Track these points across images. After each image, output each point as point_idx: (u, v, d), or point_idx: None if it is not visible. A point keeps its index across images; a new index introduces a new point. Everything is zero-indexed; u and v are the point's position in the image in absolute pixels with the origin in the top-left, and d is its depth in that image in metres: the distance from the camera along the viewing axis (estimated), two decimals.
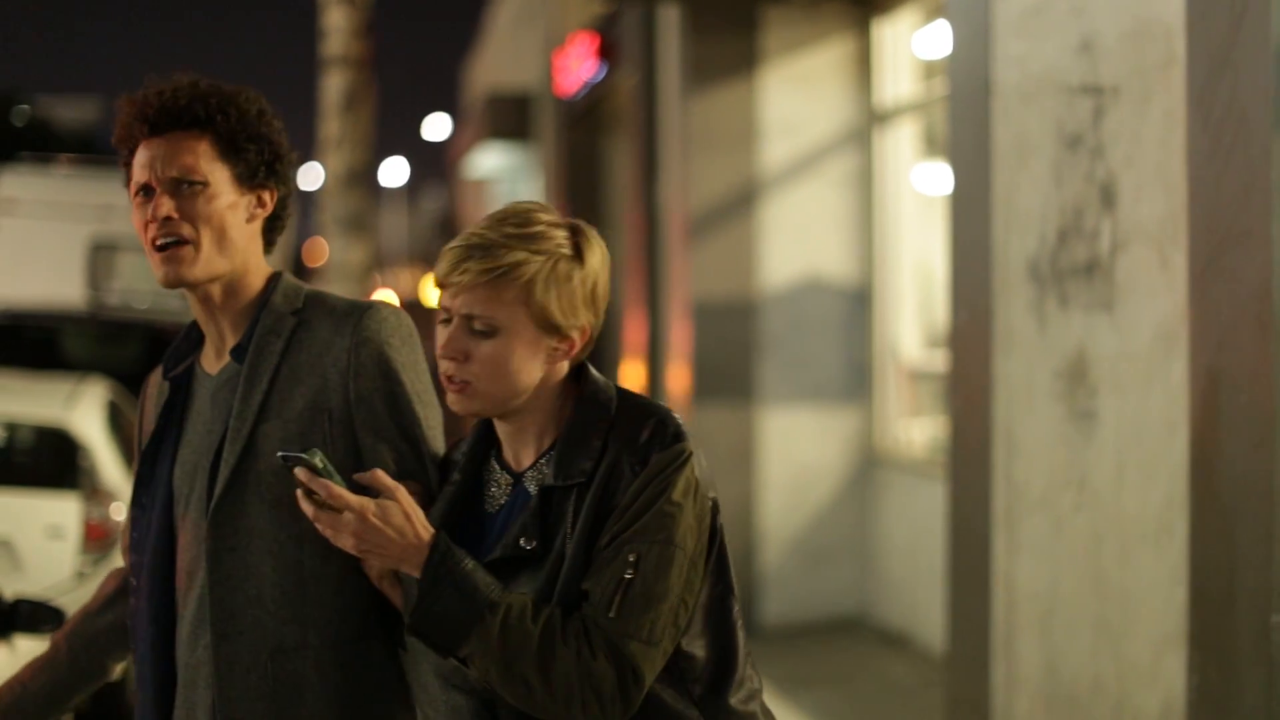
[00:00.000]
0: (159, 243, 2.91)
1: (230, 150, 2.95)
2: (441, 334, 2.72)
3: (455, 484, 2.80)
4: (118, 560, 7.87)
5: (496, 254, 2.66)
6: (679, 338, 11.22)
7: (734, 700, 2.72)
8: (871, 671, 9.37)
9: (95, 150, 39.40)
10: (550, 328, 2.69)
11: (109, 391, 8.57)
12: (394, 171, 59.72)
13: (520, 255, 2.66)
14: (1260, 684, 3.85)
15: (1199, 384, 4.13)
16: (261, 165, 2.98)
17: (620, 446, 2.66)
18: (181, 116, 2.93)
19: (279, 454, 2.66)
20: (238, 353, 2.97)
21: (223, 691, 2.88)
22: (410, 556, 2.61)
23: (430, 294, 42.70)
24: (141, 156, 2.95)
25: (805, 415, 10.70)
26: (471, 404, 2.71)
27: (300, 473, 2.59)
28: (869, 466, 10.73)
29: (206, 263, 2.92)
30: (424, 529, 2.62)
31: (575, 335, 2.72)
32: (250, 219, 2.99)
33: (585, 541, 2.64)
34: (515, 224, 2.69)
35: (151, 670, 2.99)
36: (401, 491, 2.63)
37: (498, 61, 27.29)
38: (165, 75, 3.01)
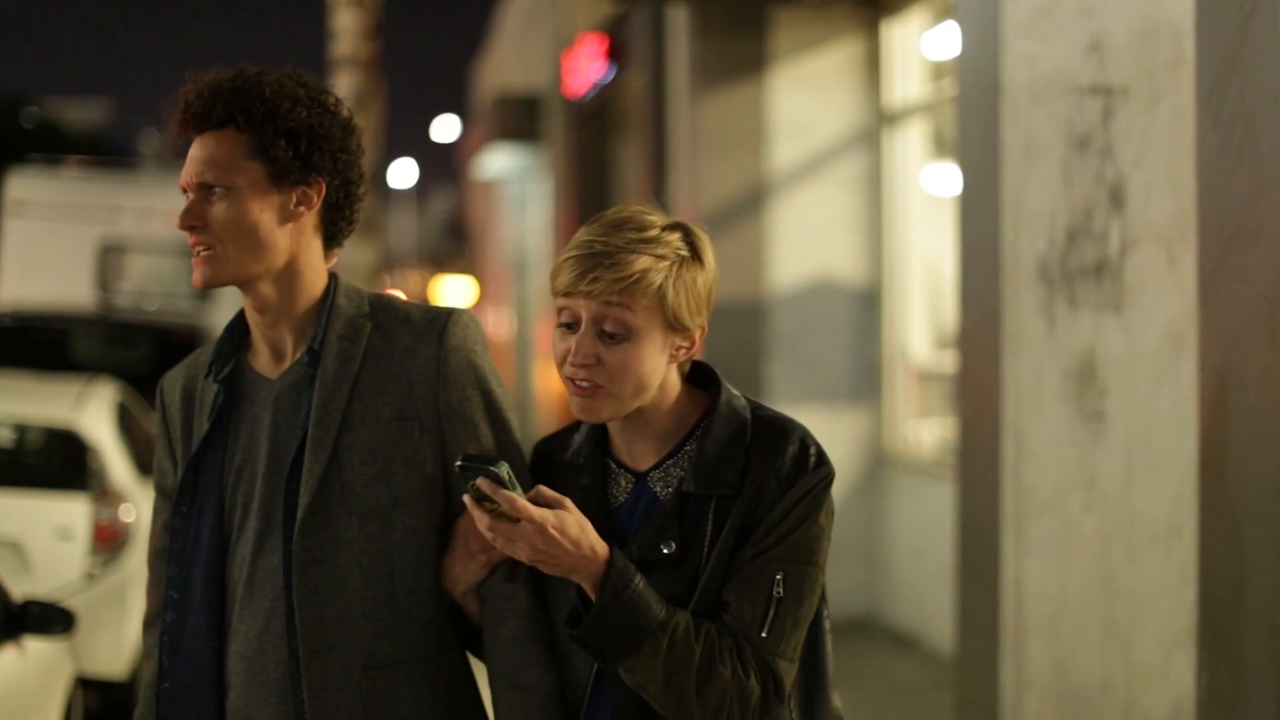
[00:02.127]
0: (190, 245, 2.85)
1: (258, 148, 2.84)
2: (565, 340, 2.73)
3: (587, 488, 2.82)
4: (126, 562, 7.88)
5: (624, 261, 2.68)
6: None
7: (835, 699, 2.86)
8: (880, 672, 9.37)
9: (104, 152, 39.47)
10: (678, 328, 2.73)
11: (118, 393, 8.58)
12: (403, 173, 59.71)
13: (647, 261, 2.69)
14: (1269, 684, 3.84)
15: (1208, 384, 4.12)
16: (295, 161, 2.85)
17: (766, 462, 2.73)
18: (209, 117, 2.85)
19: (458, 463, 2.58)
20: (311, 357, 2.87)
21: (316, 711, 2.79)
22: (583, 568, 2.64)
23: (446, 296, 42.58)
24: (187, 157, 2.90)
25: (814, 416, 10.69)
26: (602, 409, 2.74)
27: (484, 483, 2.56)
28: (878, 467, 10.73)
29: (235, 265, 2.83)
30: (599, 543, 2.65)
31: (697, 334, 2.77)
32: (290, 217, 2.88)
33: (729, 554, 2.70)
34: (634, 229, 2.72)
35: (209, 687, 2.88)
36: (569, 503, 2.64)
37: (507, 63, 27.29)
38: (202, 70, 2.91)
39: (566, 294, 2.72)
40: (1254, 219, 3.91)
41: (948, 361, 9.80)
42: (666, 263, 2.70)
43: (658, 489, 2.78)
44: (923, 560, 9.85)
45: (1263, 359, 3.87)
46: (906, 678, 9.24)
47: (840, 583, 10.52)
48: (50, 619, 5.59)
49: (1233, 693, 4.00)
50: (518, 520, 2.58)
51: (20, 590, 6.15)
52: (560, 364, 2.75)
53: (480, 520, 2.59)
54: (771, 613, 2.67)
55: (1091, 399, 5.63)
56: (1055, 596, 5.80)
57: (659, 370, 2.74)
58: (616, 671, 2.67)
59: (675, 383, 2.80)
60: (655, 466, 2.79)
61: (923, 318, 10.74)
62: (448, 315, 2.92)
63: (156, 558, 3.00)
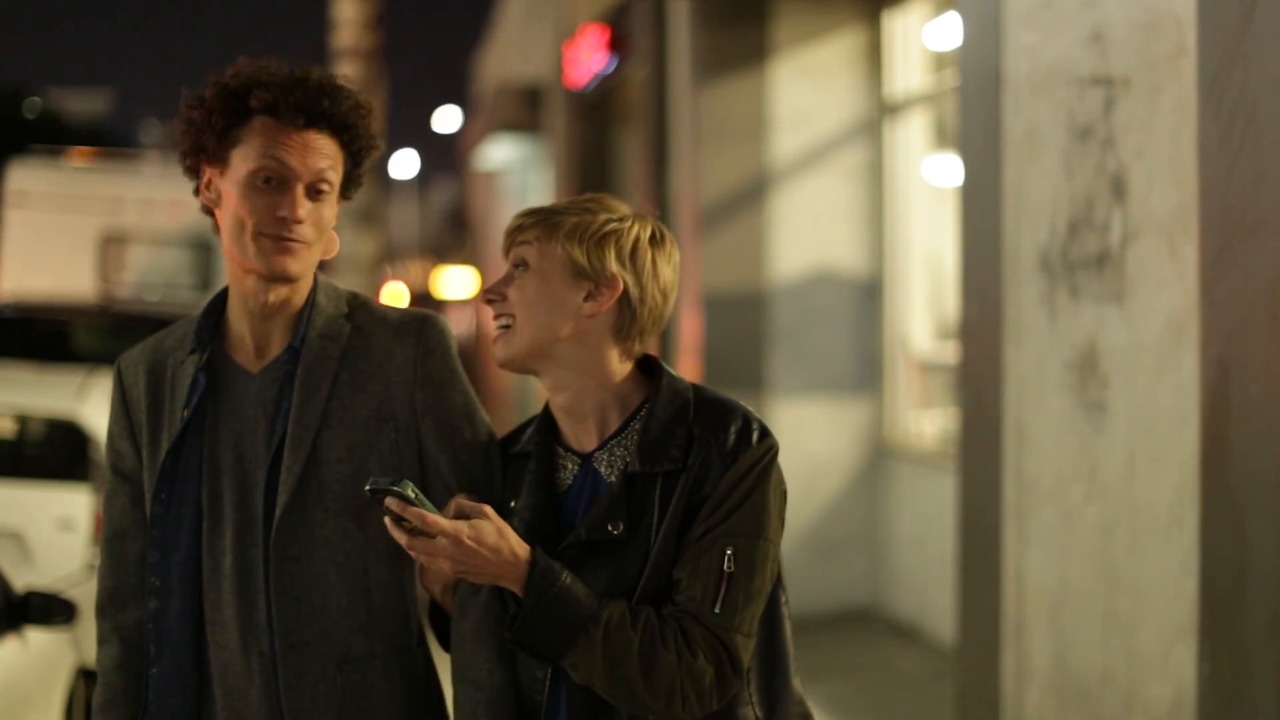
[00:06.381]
0: (283, 238, 2.87)
1: (349, 165, 2.96)
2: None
3: (534, 471, 2.85)
4: None
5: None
6: (689, 329, 11.22)
7: (796, 683, 2.86)
8: (882, 663, 9.37)
9: (105, 143, 39.44)
10: (583, 273, 2.79)
11: None
12: (404, 164, 59.63)
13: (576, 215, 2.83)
14: (1271, 674, 3.84)
15: (1210, 375, 4.12)
16: (354, 184, 2.99)
17: (708, 439, 2.75)
18: (333, 123, 2.93)
19: (367, 487, 2.62)
20: (292, 355, 2.92)
21: (291, 703, 2.84)
22: (507, 573, 2.66)
23: (440, 287, 42.48)
24: (283, 141, 2.90)
25: (815, 407, 10.70)
26: (509, 348, 2.82)
27: (392, 503, 2.60)
28: (879, 458, 10.73)
29: (310, 262, 2.92)
30: (519, 546, 2.67)
31: (605, 288, 2.80)
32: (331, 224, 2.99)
33: (677, 531, 2.72)
34: (593, 201, 2.87)
35: (192, 672, 2.92)
36: (489, 510, 2.67)
37: (508, 53, 27.26)
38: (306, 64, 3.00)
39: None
40: (1255, 210, 3.91)
41: (949, 352, 9.80)
42: (593, 216, 2.82)
43: (602, 469, 2.81)
44: (924, 551, 9.85)
45: (1264, 349, 3.87)
46: (908, 669, 9.24)
47: (841, 573, 10.53)
48: (52, 610, 5.59)
49: (1234, 683, 4.00)
50: (434, 535, 2.60)
51: (22, 581, 6.15)
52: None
53: (400, 539, 2.62)
54: (723, 588, 2.68)
55: (1093, 390, 5.62)
56: (1056, 587, 5.80)
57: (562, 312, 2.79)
58: (529, 642, 2.69)
59: (619, 366, 2.83)
60: (599, 448, 2.82)
61: (924, 308, 10.74)
62: (423, 319, 2.98)
63: (115, 539, 3.03)
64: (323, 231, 2.91)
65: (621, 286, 2.79)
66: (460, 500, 2.70)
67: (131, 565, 3.00)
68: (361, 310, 3.00)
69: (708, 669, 2.66)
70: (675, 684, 2.65)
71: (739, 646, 2.69)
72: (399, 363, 2.93)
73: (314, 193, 2.89)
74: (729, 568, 2.68)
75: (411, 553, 2.64)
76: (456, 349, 2.99)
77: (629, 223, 2.82)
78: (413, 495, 2.59)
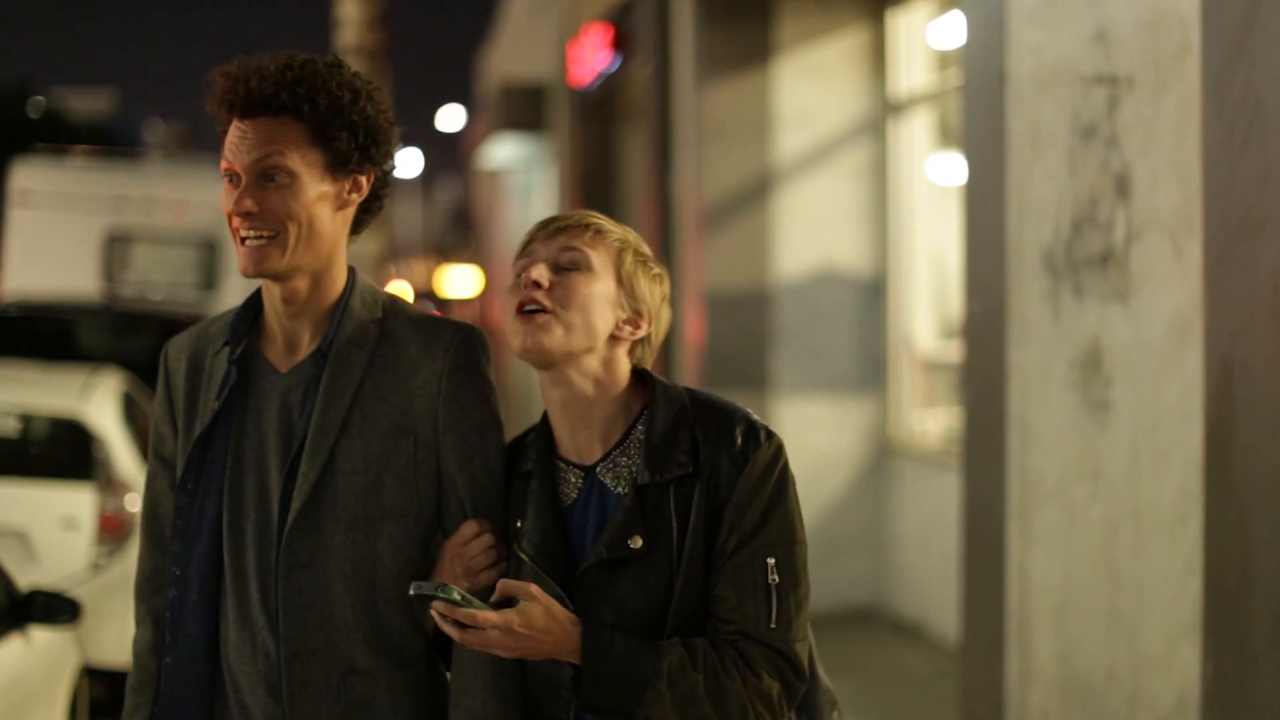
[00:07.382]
0: (242, 235, 2.82)
1: (320, 138, 2.83)
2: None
3: (538, 490, 2.83)
4: (131, 551, 7.88)
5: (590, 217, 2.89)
6: (693, 328, 11.22)
7: (822, 674, 2.89)
8: (885, 662, 9.37)
9: (109, 142, 39.45)
10: (629, 293, 2.83)
11: (123, 383, 8.58)
12: (408, 163, 59.62)
13: (611, 225, 2.89)
14: (1274, 673, 3.84)
15: (1214, 374, 4.11)
16: (354, 151, 2.86)
17: (714, 442, 2.75)
18: (270, 103, 2.82)
19: (411, 592, 2.62)
20: (318, 358, 2.88)
21: (294, 710, 2.82)
22: (562, 648, 2.68)
23: (444, 286, 42.43)
24: (229, 138, 2.85)
25: (819, 406, 10.69)
26: (549, 339, 2.78)
27: (440, 606, 2.61)
28: (883, 457, 10.73)
29: (291, 254, 2.81)
30: (568, 619, 2.68)
31: (646, 320, 2.84)
32: (342, 206, 2.89)
33: (704, 540, 2.73)
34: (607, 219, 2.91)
35: (205, 664, 2.90)
36: (535, 589, 2.66)
37: (512, 52, 27.26)
38: (251, 55, 2.88)
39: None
40: (1260, 208, 3.91)
41: (953, 351, 9.79)
42: (628, 236, 2.87)
43: (607, 481, 2.80)
44: (928, 550, 9.85)
45: (1269, 348, 3.86)
46: (911, 667, 9.24)
47: (845, 572, 10.52)
48: (56, 609, 5.59)
49: (1237, 682, 3.99)
50: (485, 628, 2.61)
51: (26, 580, 6.16)
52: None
53: (453, 634, 2.63)
54: (774, 601, 2.70)
55: (1097, 389, 5.62)
56: (1060, 586, 5.80)
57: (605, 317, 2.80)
58: (596, 706, 2.70)
59: (625, 373, 2.84)
60: (603, 459, 2.81)
61: (928, 307, 10.73)
62: (456, 332, 2.92)
63: (154, 522, 3.02)
64: (298, 220, 2.81)
65: (652, 324, 2.85)
66: (505, 582, 2.67)
67: (168, 549, 2.98)
68: (395, 316, 2.94)
69: (774, 685, 2.69)
70: (747, 708, 2.68)
71: (799, 654, 2.73)
72: (425, 376, 2.87)
73: (266, 181, 2.81)
74: (774, 579, 2.71)
75: (466, 645, 2.65)
76: (490, 363, 2.93)
77: (665, 275, 2.90)
78: (459, 598, 2.61)
